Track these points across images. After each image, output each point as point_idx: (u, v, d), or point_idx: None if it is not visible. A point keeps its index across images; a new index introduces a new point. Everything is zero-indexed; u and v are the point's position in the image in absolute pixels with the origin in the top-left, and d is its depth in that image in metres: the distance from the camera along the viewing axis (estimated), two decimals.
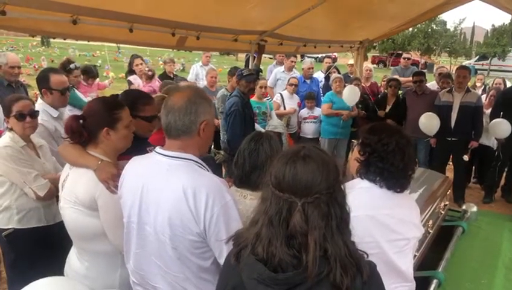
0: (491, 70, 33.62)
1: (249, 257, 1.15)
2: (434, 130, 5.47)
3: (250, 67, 5.82)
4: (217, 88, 6.30)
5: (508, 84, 7.55)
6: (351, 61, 7.87)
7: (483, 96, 6.54)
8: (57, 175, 2.71)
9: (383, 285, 1.23)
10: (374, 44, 30.66)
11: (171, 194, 1.56)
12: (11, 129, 2.68)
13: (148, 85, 6.24)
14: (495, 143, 5.97)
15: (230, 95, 4.91)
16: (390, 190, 1.71)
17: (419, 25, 35.21)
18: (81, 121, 1.96)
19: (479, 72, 14.74)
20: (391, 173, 1.68)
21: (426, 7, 6.04)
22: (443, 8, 6.08)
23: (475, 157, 6.25)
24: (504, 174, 6.19)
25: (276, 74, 7.44)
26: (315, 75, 7.68)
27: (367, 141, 1.74)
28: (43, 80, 3.14)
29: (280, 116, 6.11)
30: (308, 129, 6.42)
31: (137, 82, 6.23)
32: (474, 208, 4.17)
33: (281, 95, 6.41)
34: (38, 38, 30.34)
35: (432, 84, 7.00)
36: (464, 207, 4.26)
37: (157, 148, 1.70)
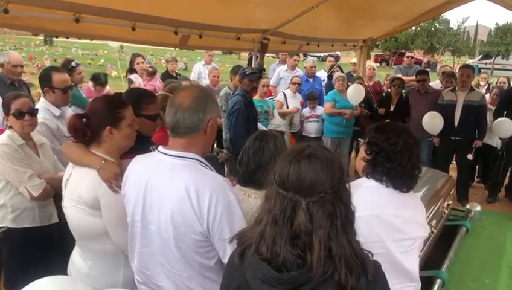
0: (495, 69, 33.52)
1: (253, 256, 1.15)
2: (437, 129, 5.45)
3: (253, 66, 5.81)
4: (219, 87, 6.30)
5: None
6: (354, 60, 7.85)
7: (487, 96, 6.51)
8: (56, 175, 2.70)
9: (387, 285, 1.22)
10: (377, 43, 30.59)
11: (174, 193, 1.56)
12: (10, 127, 2.66)
13: (149, 84, 6.24)
14: (499, 142, 5.95)
15: (233, 93, 4.90)
16: (397, 190, 1.70)
17: (422, 24, 35.05)
18: (84, 119, 1.96)
19: (482, 71, 14.68)
20: (398, 173, 1.67)
21: (429, 6, 6.02)
22: (446, 6, 6.07)
23: (479, 157, 6.23)
24: (508, 174, 6.16)
25: (279, 73, 7.43)
26: (318, 73, 7.66)
27: (374, 140, 1.72)
28: (45, 78, 3.14)
29: (283, 115, 6.10)
30: (311, 128, 6.40)
31: (139, 81, 6.23)
32: (478, 208, 4.16)
33: (284, 93, 6.39)
34: (41, 37, 30.40)
35: (435, 83, 6.98)
36: (467, 206, 4.25)
37: (160, 148, 1.69)
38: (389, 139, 1.68)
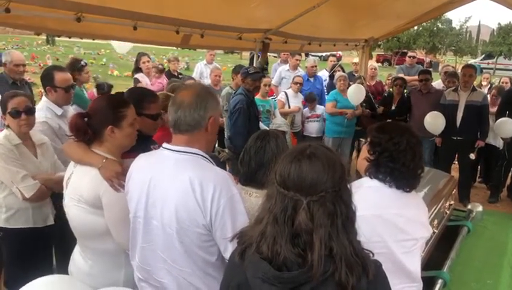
0: (497, 69, 33.43)
1: (254, 255, 1.15)
2: (439, 129, 5.44)
3: (254, 65, 5.80)
4: (221, 86, 6.29)
5: None
6: (356, 60, 7.84)
7: (489, 96, 6.50)
8: (54, 175, 2.68)
9: (388, 284, 1.22)
10: (379, 42, 30.57)
11: (179, 186, 1.58)
12: (8, 126, 2.63)
13: (158, 82, 6.22)
14: (501, 142, 5.94)
15: (234, 93, 4.90)
16: (400, 190, 1.69)
17: (424, 24, 35.02)
18: (85, 118, 1.96)
19: (484, 71, 14.66)
20: (402, 173, 1.66)
21: (431, 5, 6.00)
22: (448, 6, 6.05)
23: (481, 157, 6.22)
24: (510, 174, 6.14)
25: (281, 73, 7.42)
26: (319, 73, 7.66)
27: (377, 140, 1.71)
28: (47, 77, 3.13)
29: (284, 114, 6.09)
30: (312, 128, 6.39)
31: (145, 80, 6.22)
32: (480, 208, 4.15)
33: (286, 93, 6.39)
34: (44, 37, 30.44)
35: (437, 83, 6.97)
36: (469, 207, 4.24)
37: (165, 144, 1.72)
38: (393, 138, 1.67)
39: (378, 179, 1.70)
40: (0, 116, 3.05)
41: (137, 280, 1.81)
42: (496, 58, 37.19)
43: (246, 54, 14.08)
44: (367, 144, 1.77)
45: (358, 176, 1.84)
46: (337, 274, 1.07)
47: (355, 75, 7.35)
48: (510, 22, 41.62)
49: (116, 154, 1.99)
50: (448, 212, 3.74)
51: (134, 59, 7.02)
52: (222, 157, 4.72)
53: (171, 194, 1.60)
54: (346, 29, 6.33)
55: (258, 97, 5.29)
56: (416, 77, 6.69)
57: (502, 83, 7.36)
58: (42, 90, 3.34)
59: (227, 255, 1.54)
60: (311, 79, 7.04)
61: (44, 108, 3.10)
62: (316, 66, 7.20)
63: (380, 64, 30.98)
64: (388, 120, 5.20)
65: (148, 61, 6.45)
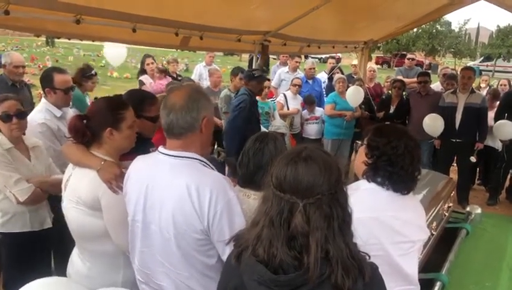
0: (496, 71, 33.46)
1: (250, 258, 1.15)
2: (438, 131, 5.45)
3: (253, 67, 5.81)
4: (220, 88, 6.30)
5: None
6: (355, 62, 7.85)
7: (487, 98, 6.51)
8: (50, 178, 2.67)
9: (385, 287, 1.22)
10: (378, 44, 30.57)
11: (175, 192, 1.57)
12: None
13: (159, 82, 6.22)
14: (500, 145, 5.94)
15: (236, 93, 4.90)
16: (397, 193, 1.69)
17: (423, 26, 35.08)
18: (84, 120, 1.96)
19: (483, 73, 14.68)
20: (400, 176, 1.65)
21: (431, 8, 6.01)
22: (448, 8, 6.05)
23: (480, 159, 6.22)
24: (509, 176, 6.15)
25: (280, 75, 7.43)
26: (318, 75, 7.66)
27: (375, 144, 1.70)
28: (46, 79, 3.13)
29: (283, 116, 6.10)
30: (311, 130, 6.41)
31: (149, 82, 6.25)
32: (479, 210, 4.14)
33: (285, 95, 6.40)
34: (43, 38, 30.46)
35: (436, 85, 6.98)
36: (468, 209, 4.23)
37: (160, 148, 1.70)
38: (391, 142, 1.66)
39: (376, 182, 1.69)
40: None
41: (138, 282, 1.81)
42: (494, 60, 37.23)
43: (246, 56, 14.10)
44: (364, 147, 1.75)
45: (357, 178, 1.83)
46: (334, 277, 1.07)
47: (354, 77, 7.36)
48: (509, 24, 41.66)
49: (114, 157, 1.99)
50: (446, 214, 3.73)
51: (134, 61, 7.04)
52: (221, 158, 4.72)
53: (168, 200, 1.59)
54: (345, 31, 6.34)
55: (257, 99, 5.30)
56: (415, 79, 6.71)
57: (501, 85, 7.38)
58: (41, 92, 3.34)
59: (225, 258, 1.52)
60: (310, 81, 7.05)
61: (43, 110, 3.10)
62: (314, 68, 7.21)
63: (379, 66, 30.97)
64: (386, 122, 5.21)
65: (152, 63, 6.48)
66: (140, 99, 2.35)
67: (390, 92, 6.63)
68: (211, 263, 1.64)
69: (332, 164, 1.16)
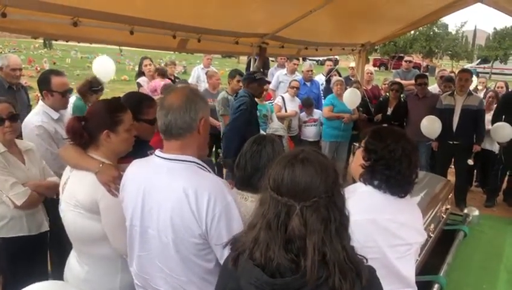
0: (493, 73, 33.55)
1: (247, 261, 1.14)
2: (436, 133, 5.46)
3: (251, 69, 5.81)
4: (218, 90, 6.30)
5: (510, 88, 7.54)
6: (353, 64, 7.87)
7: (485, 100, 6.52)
8: (45, 181, 2.67)
9: None
10: (376, 47, 30.66)
11: (173, 196, 1.56)
12: None
13: (156, 80, 6.20)
14: (497, 147, 5.95)
15: (235, 95, 4.89)
16: (394, 196, 1.68)
17: (421, 28, 35.18)
18: (82, 122, 1.96)
19: (480, 75, 14.73)
20: (398, 180, 1.65)
21: (428, 10, 6.03)
22: (445, 11, 6.07)
23: (477, 161, 6.24)
24: (506, 178, 6.16)
25: (278, 77, 7.44)
26: (316, 78, 7.67)
27: (372, 147, 1.69)
28: (44, 81, 3.13)
29: (281, 118, 6.10)
30: (309, 132, 6.41)
31: (147, 84, 6.25)
32: (476, 212, 4.15)
33: (282, 97, 6.41)
34: (41, 41, 30.42)
35: (433, 87, 6.99)
36: (465, 211, 4.24)
37: (157, 152, 1.69)
38: (388, 146, 1.66)
39: (373, 185, 1.69)
40: None
41: (136, 286, 1.80)
42: (491, 62, 37.36)
43: (244, 58, 14.11)
44: (361, 150, 1.75)
45: (355, 181, 1.83)
46: (331, 280, 1.07)
47: (352, 79, 7.38)
48: (506, 27, 41.87)
49: (112, 159, 1.98)
50: (444, 216, 3.74)
51: (132, 63, 7.05)
52: (220, 160, 4.72)
53: (166, 204, 1.58)
54: (342, 34, 6.35)
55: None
56: (412, 81, 6.73)
57: (498, 87, 7.39)
58: (39, 94, 3.33)
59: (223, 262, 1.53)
60: (308, 83, 7.06)
61: (40, 112, 3.10)
62: (312, 71, 7.22)
63: (376, 68, 31.06)
64: (384, 124, 5.22)
65: (150, 64, 6.48)
66: (138, 102, 2.34)
67: (388, 94, 6.64)
68: (209, 267, 1.63)
69: (329, 167, 1.16)
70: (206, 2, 3.82)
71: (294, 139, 6.28)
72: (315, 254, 1.07)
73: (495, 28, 44.57)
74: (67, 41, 4.60)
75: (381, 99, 6.86)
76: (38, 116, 3.07)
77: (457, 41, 45.08)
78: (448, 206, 3.92)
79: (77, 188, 1.90)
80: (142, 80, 6.34)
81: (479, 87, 8.17)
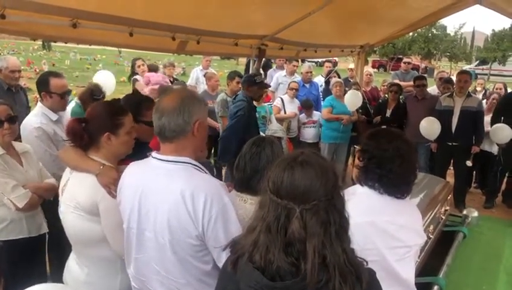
0: (491, 75, 33.63)
1: (247, 264, 1.14)
2: (435, 135, 5.47)
3: (250, 71, 5.81)
4: (217, 92, 6.30)
5: (509, 89, 7.55)
6: (352, 66, 7.87)
7: (484, 101, 6.54)
8: (44, 183, 2.66)
9: None
10: (375, 48, 30.70)
11: (170, 197, 1.56)
12: None
13: (148, 74, 6.17)
14: (496, 148, 5.96)
15: (234, 98, 4.89)
16: (391, 196, 1.68)
17: (419, 30, 35.25)
18: (83, 124, 1.96)
19: (479, 76, 14.76)
20: (390, 179, 1.65)
21: (427, 12, 6.04)
22: (443, 12, 6.08)
23: (476, 163, 6.25)
24: (505, 180, 6.17)
25: (277, 78, 7.45)
26: (315, 79, 7.68)
27: (366, 147, 1.71)
28: (42, 83, 3.13)
29: (280, 120, 6.10)
30: (308, 134, 6.41)
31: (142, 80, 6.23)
32: (475, 213, 4.16)
33: (282, 99, 6.41)
34: (40, 42, 30.38)
35: (432, 88, 7.00)
36: (464, 212, 4.24)
37: (154, 153, 1.70)
38: (380, 145, 1.67)
39: (368, 185, 1.70)
40: None
41: (133, 288, 1.80)
42: (490, 64, 37.44)
43: (243, 60, 14.11)
44: (359, 151, 1.77)
45: (354, 183, 1.83)
46: (331, 283, 1.06)
47: (351, 80, 7.38)
48: (504, 28, 42.00)
49: (112, 161, 1.98)
50: (443, 217, 3.74)
51: (130, 64, 7.05)
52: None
53: (163, 206, 1.58)
54: (341, 36, 6.35)
55: (254, 103, 5.29)
56: (411, 83, 6.74)
57: (496, 89, 7.40)
58: (38, 96, 3.33)
59: (220, 264, 1.52)
60: (307, 85, 7.07)
61: (39, 114, 3.09)
62: (311, 72, 7.23)
63: (375, 70, 31.07)
64: (383, 126, 5.23)
65: (143, 65, 6.48)
66: (138, 104, 2.35)
67: (386, 95, 6.65)
68: (206, 269, 1.63)
69: (329, 169, 1.16)
70: (205, 4, 3.82)
71: (294, 141, 6.28)
72: (315, 257, 1.06)
73: (493, 30, 44.72)
74: (66, 43, 4.60)
75: (380, 100, 6.87)
76: (37, 117, 3.07)
77: (456, 43, 45.19)
78: (448, 208, 3.92)
79: (77, 190, 1.90)
80: (138, 77, 6.35)
81: (478, 89, 8.19)
